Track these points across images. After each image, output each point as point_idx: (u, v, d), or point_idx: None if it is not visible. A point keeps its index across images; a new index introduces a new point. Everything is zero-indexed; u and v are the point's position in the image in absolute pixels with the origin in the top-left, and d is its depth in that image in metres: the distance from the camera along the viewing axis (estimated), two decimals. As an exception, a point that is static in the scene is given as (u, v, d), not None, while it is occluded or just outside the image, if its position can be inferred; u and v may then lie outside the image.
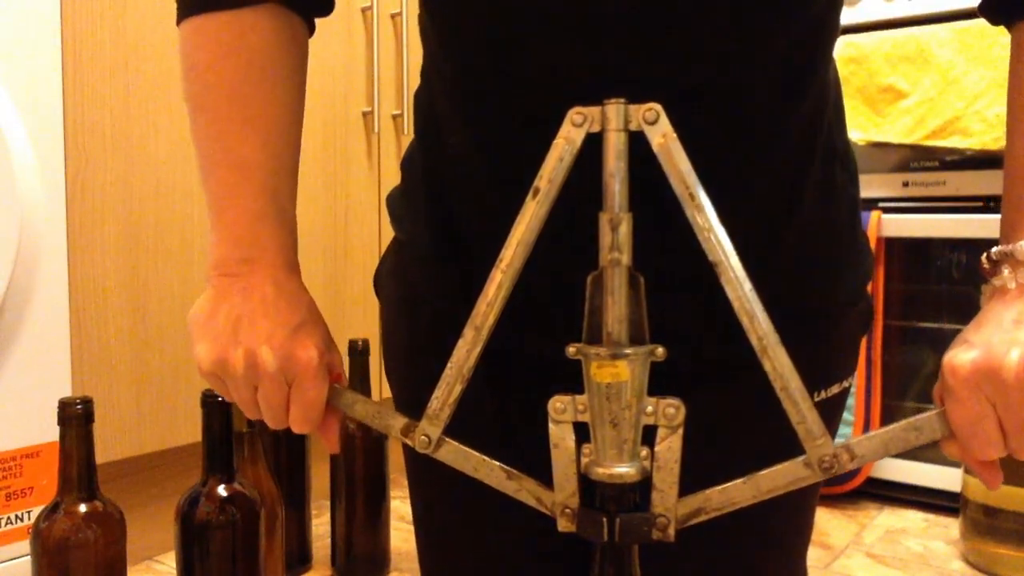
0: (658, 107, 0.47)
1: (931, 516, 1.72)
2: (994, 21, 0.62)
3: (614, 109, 0.47)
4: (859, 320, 0.72)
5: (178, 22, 0.64)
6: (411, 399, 0.71)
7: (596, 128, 0.47)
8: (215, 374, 0.60)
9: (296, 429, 0.61)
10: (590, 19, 0.54)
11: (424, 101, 0.69)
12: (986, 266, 0.55)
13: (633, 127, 0.47)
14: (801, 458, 0.49)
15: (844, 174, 0.67)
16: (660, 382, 0.51)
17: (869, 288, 0.75)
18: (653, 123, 0.47)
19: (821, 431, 0.48)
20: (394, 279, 0.76)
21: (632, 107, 0.47)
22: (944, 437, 0.50)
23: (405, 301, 0.75)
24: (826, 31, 0.61)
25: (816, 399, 0.65)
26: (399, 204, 0.75)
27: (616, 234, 0.47)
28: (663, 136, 0.47)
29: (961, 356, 0.49)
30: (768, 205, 0.61)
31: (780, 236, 0.63)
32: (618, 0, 0.53)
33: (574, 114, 0.48)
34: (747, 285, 0.47)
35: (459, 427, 0.55)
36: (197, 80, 0.64)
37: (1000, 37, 1.56)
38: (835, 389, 0.69)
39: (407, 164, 0.75)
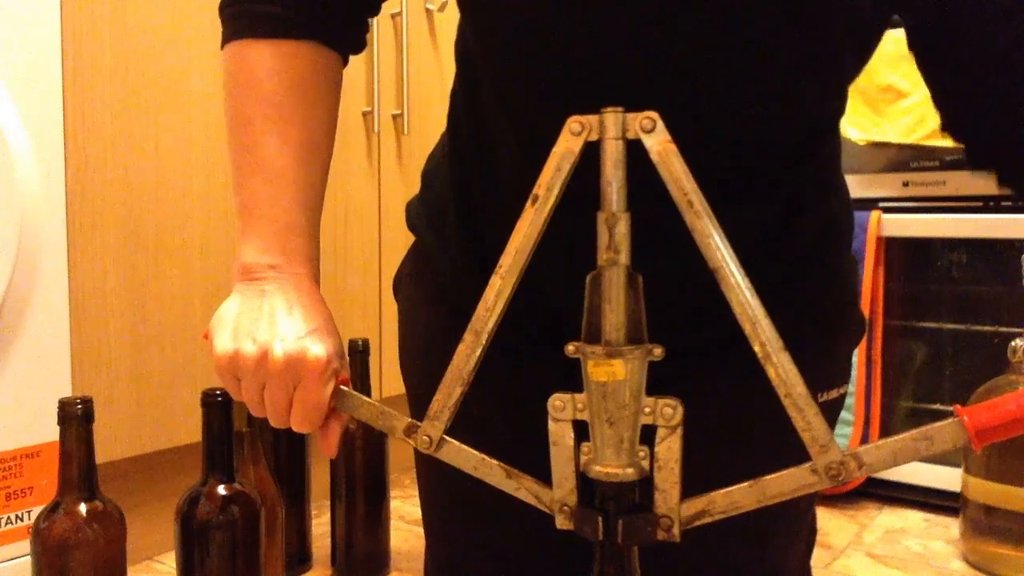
0: (655, 115, 0.47)
1: (931, 516, 1.72)
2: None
3: (612, 118, 0.47)
4: (852, 332, 0.75)
5: (223, 44, 0.69)
6: (422, 396, 0.73)
7: (595, 137, 0.48)
8: (230, 371, 0.62)
9: (297, 428, 0.63)
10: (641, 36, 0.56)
11: (461, 121, 0.72)
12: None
13: (631, 135, 0.47)
14: (808, 464, 0.49)
15: (836, 201, 0.71)
16: (662, 382, 0.51)
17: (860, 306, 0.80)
18: (650, 131, 0.47)
19: (827, 438, 0.48)
20: (415, 282, 0.78)
21: (629, 116, 0.47)
22: (957, 448, 0.49)
23: (425, 304, 0.76)
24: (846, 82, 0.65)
25: (820, 399, 0.66)
26: (420, 214, 0.77)
27: (613, 233, 0.47)
28: (661, 144, 0.47)
29: None
30: (763, 225, 0.63)
31: (775, 252, 0.64)
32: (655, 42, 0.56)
33: (572, 123, 0.48)
34: (749, 291, 0.47)
35: (478, 423, 0.57)
36: (240, 95, 0.67)
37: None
38: (834, 394, 0.71)
39: (430, 177, 0.77)
